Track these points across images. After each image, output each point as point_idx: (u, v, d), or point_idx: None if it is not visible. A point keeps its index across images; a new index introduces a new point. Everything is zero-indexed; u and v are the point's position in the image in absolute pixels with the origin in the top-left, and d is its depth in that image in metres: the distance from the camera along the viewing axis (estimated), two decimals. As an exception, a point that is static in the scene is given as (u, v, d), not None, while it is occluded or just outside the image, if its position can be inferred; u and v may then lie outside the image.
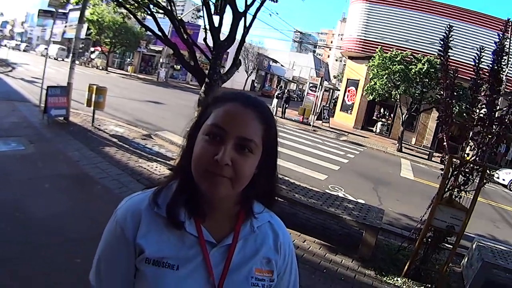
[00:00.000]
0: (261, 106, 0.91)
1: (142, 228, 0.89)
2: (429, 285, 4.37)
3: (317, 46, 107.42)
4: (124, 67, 38.60)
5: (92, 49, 37.15)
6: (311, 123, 19.73)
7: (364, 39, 24.38)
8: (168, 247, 0.88)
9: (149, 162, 6.89)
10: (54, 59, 34.21)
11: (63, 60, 35.34)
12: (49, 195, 4.75)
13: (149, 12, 6.78)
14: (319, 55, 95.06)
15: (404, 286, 4.29)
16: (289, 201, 5.14)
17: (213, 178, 0.82)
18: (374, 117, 25.70)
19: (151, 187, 0.96)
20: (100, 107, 9.10)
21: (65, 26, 37.19)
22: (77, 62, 10.67)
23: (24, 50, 44.48)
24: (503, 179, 15.33)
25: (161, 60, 33.49)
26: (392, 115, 24.30)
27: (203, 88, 5.90)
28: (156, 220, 0.90)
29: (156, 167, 6.66)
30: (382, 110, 25.54)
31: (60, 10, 10.41)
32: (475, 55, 4.35)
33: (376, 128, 24.98)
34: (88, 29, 32.42)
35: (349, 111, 26.83)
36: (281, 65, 52.11)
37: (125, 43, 32.85)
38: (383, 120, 25.29)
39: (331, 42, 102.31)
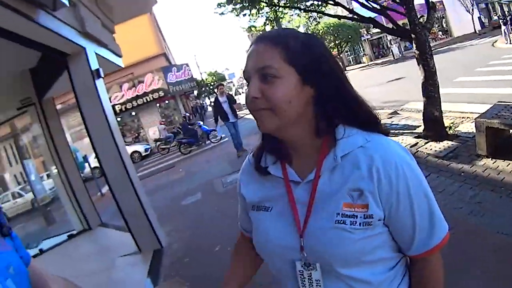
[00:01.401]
0: (273, 33, 0.87)
1: (244, 180, 1.05)
2: None
3: None
4: (359, 60, 39.78)
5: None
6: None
7: None
8: (263, 193, 0.97)
9: (395, 137, 6.81)
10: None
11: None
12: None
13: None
14: None
15: None
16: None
17: (254, 114, 0.85)
18: None
19: None
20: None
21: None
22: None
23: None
24: None
25: (388, 38, 32.44)
26: None
27: (414, 44, 5.69)
28: (254, 172, 1.00)
29: (403, 139, 6.63)
30: None
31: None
32: None
33: None
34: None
35: None
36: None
37: (348, 38, 33.90)
38: None
39: None
